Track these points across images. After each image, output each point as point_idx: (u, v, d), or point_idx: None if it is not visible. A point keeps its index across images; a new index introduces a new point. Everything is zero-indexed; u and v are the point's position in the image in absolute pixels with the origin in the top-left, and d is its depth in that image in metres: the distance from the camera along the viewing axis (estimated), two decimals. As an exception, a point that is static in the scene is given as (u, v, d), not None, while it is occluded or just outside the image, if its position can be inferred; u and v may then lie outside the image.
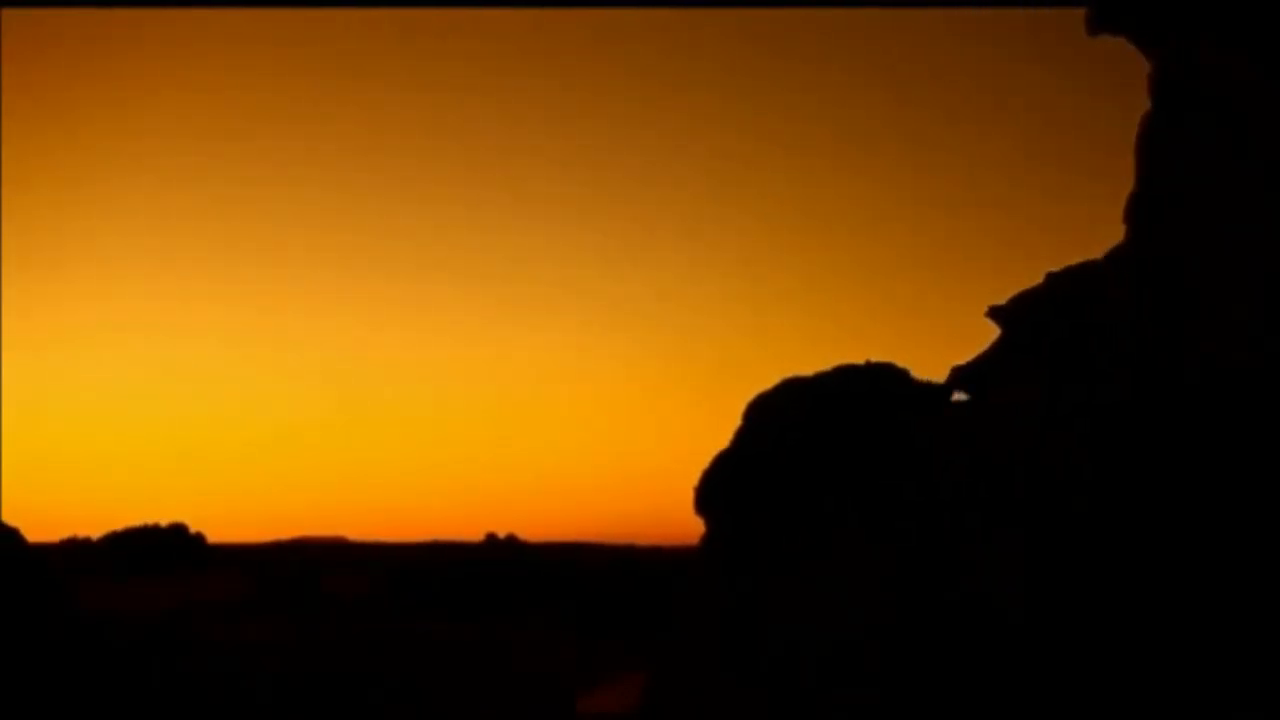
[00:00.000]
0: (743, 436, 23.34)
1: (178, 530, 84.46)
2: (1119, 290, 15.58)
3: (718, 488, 23.13)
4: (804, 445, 22.39)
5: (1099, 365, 15.50)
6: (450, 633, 51.50)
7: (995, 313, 18.30)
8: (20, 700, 23.35)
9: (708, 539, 23.56)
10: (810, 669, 19.91)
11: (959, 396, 19.28)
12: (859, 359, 23.48)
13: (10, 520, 28.75)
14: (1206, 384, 13.80)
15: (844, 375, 23.31)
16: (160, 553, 79.04)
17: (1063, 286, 17.14)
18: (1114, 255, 16.57)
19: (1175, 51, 15.50)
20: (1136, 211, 16.03)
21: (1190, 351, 14.19)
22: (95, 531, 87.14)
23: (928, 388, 22.99)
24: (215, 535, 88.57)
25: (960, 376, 18.84)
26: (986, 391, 18.16)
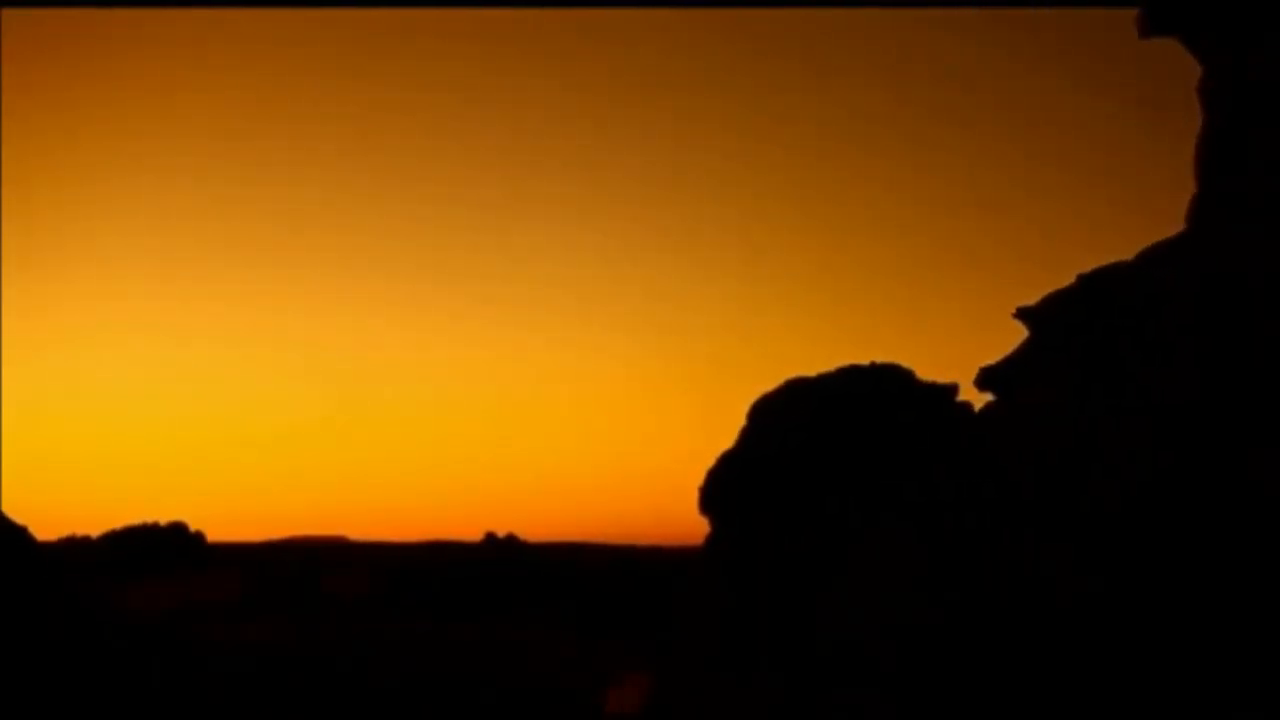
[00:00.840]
0: (747, 437, 23.34)
1: (177, 529, 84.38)
2: (1163, 291, 15.32)
3: (722, 488, 23.13)
4: (808, 446, 22.39)
5: (1129, 367, 15.29)
6: (450, 633, 51.45)
7: (1024, 314, 17.93)
8: (23, 696, 23.34)
9: (712, 539, 23.55)
10: (812, 668, 19.89)
11: (989, 397, 18.96)
12: (864, 359, 23.55)
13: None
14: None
15: (848, 376, 23.31)
16: (160, 552, 79.01)
17: (1095, 287, 16.84)
18: (1151, 256, 16.30)
19: (1234, 54, 15.31)
20: (1199, 215, 15.76)
21: (1260, 354, 13.87)
22: (95, 530, 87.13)
23: (932, 388, 22.99)
24: (215, 534, 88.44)
25: (988, 377, 18.51)
26: (1014, 392, 17.87)
